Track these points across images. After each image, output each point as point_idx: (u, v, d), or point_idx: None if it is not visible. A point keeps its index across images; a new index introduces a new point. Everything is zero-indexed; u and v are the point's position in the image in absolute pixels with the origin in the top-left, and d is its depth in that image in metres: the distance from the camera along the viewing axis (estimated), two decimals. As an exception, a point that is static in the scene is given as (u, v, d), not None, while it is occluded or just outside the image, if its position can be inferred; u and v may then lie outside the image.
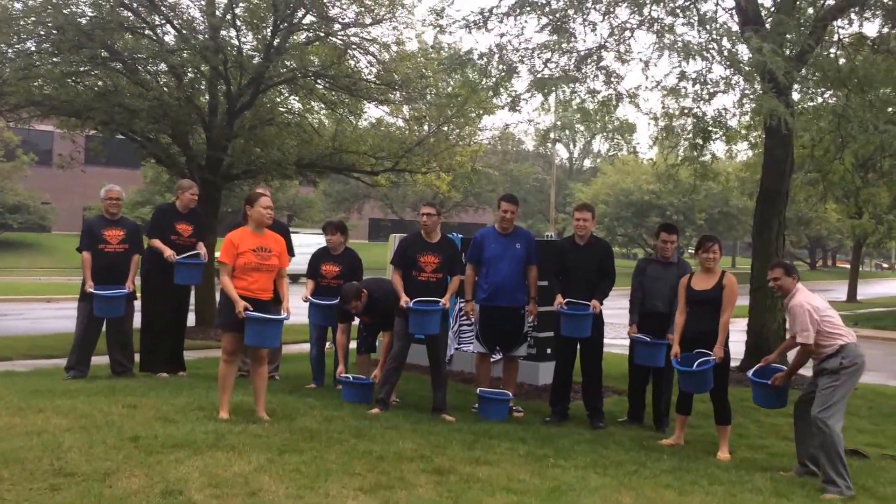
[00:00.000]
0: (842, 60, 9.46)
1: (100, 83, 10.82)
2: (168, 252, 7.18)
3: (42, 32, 10.00)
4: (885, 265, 65.50)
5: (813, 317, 5.13)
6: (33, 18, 9.85)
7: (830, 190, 14.56)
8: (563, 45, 8.14)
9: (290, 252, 7.41)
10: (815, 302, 5.20)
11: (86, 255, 7.11)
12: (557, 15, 8.13)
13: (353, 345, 7.23)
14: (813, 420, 5.05)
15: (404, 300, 6.27)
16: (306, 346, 10.20)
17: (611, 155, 28.47)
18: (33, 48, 10.27)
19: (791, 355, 5.48)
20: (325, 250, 7.54)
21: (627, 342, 6.85)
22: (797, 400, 5.46)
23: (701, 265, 5.96)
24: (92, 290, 6.97)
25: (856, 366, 5.13)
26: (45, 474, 4.08)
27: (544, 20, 8.21)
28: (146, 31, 10.67)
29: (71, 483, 3.97)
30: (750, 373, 5.64)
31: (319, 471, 4.40)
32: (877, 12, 9.25)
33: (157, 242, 7.32)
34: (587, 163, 58.88)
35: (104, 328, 7.29)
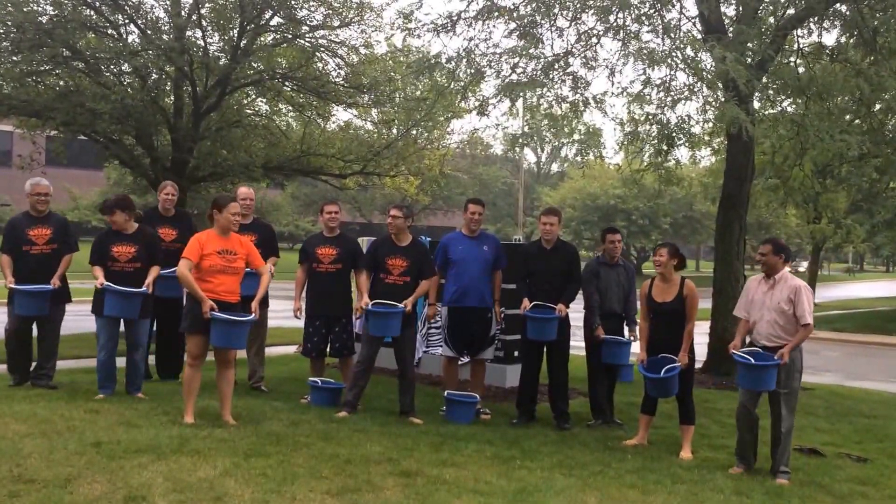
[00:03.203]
0: (801, 69, 9.70)
1: (61, 83, 10.62)
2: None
3: (1, 31, 9.78)
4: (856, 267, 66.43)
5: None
6: (-8, 17, 9.65)
7: (790, 195, 14.93)
8: (531, 51, 8.22)
9: (275, 252, 7.36)
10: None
11: (4, 258, 6.56)
12: (525, 20, 8.20)
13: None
14: (784, 420, 5.35)
15: (364, 301, 6.28)
16: (289, 349, 10.14)
17: (580, 164, 28.76)
18: (-8, 46, 10.05)
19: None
20: (115, 232, 6.42)
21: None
22: (742, 401, 5.53)
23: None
24: (13, 286, 6.39)
25: None
26: (4, 481, 4.00)
27: (512, 25, 8.29)
28: (109, 31, 10.50)
29: (31, 489, 3.91)
30: (736, 354, 5.40)
31: (286, 475, 4.39)
32: (835, 22, 9.49)
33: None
34: (555, 167, 59.38)
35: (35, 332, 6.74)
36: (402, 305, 6.26)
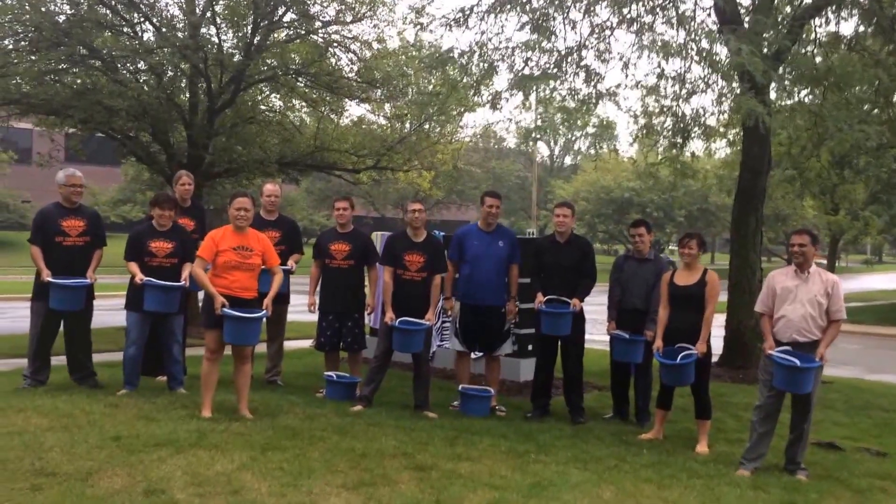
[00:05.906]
0: (818, 59, 9.58)
1: (78, 81, 10.72)
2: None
3: (19, 30, 9.90)
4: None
5: None
6: (10, 16, 9.75)
7: (807, 187, 14.78)
8: (544, 44, 8.19)
9: (299, 248, 7.40)
10: None
11: (34, 249, 6.38)
12: (538, 13, 8.18)
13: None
14: (809, 416, 5.33)
15: (389, 317, 6.31)
16: (304, 343, 10.16)
17: (593, 158, 28.70)
18: (10, 46, 10.16)
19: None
20: (151, 228, 6.47)
21: (607, 338, 6.93)
22: (768, 405, 5.39)
23: (681, 260, 6.08)
24: (50, 279, 6.21)
25: None
26: (27, 474, 4.07)
27: (525, 18, 8.26)
28: (125, 29, 10.58)
29: (53, 483, 3.97)
30: (777, 355, 5.23)
31: (302, 468, 4.43)
32: (853, 11, 9.36)
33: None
34: (568, 160, 59.13)
35: (62, 329, 6.57)
36: (427, 322, 6.32)
